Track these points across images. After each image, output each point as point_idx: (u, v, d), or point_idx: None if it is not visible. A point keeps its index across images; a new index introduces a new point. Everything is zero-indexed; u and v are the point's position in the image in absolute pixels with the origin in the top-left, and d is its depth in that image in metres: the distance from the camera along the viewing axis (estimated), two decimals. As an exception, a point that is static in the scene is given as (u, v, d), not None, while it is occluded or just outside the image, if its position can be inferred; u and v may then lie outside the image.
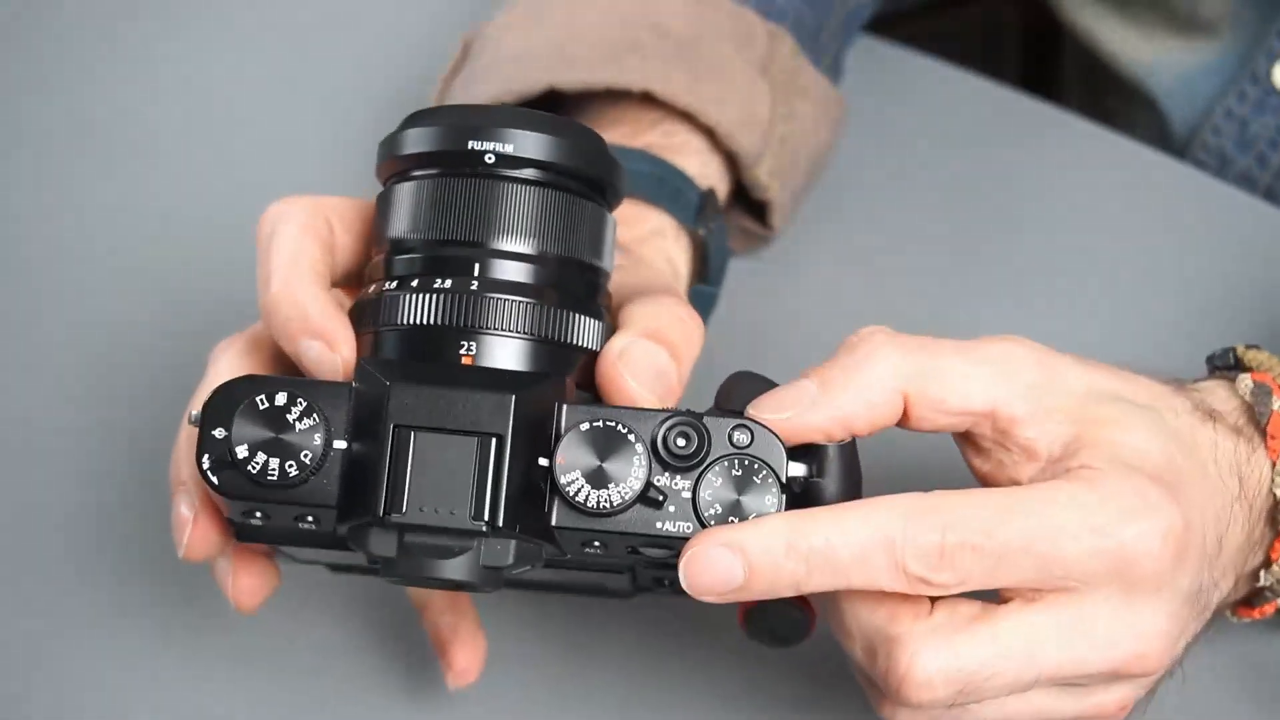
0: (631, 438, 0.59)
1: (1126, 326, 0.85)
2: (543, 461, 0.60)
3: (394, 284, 0.63)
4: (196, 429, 0.60)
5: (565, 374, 0.62)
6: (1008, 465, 0.63)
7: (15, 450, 0.86)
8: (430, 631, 0.75)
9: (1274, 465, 0.65)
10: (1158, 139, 0.98)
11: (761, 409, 0.61)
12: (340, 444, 0.60)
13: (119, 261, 0.92)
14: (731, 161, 0.82)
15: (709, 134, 0.81)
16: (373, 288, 0.63)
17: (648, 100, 0.80)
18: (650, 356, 0.63)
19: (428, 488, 0.59)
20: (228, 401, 0.60)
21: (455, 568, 0.59)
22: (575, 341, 0.63)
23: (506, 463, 0.59)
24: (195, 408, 0.62)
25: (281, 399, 0.60)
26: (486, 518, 0.58)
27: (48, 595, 0.82)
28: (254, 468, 0.59)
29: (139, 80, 0.99)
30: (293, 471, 0.59)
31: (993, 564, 0.59)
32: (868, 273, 0.88)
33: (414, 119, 0.64)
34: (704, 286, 0.79)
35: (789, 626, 0.64)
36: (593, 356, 0.63)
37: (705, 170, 0.81)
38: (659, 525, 0.60)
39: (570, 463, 0.59)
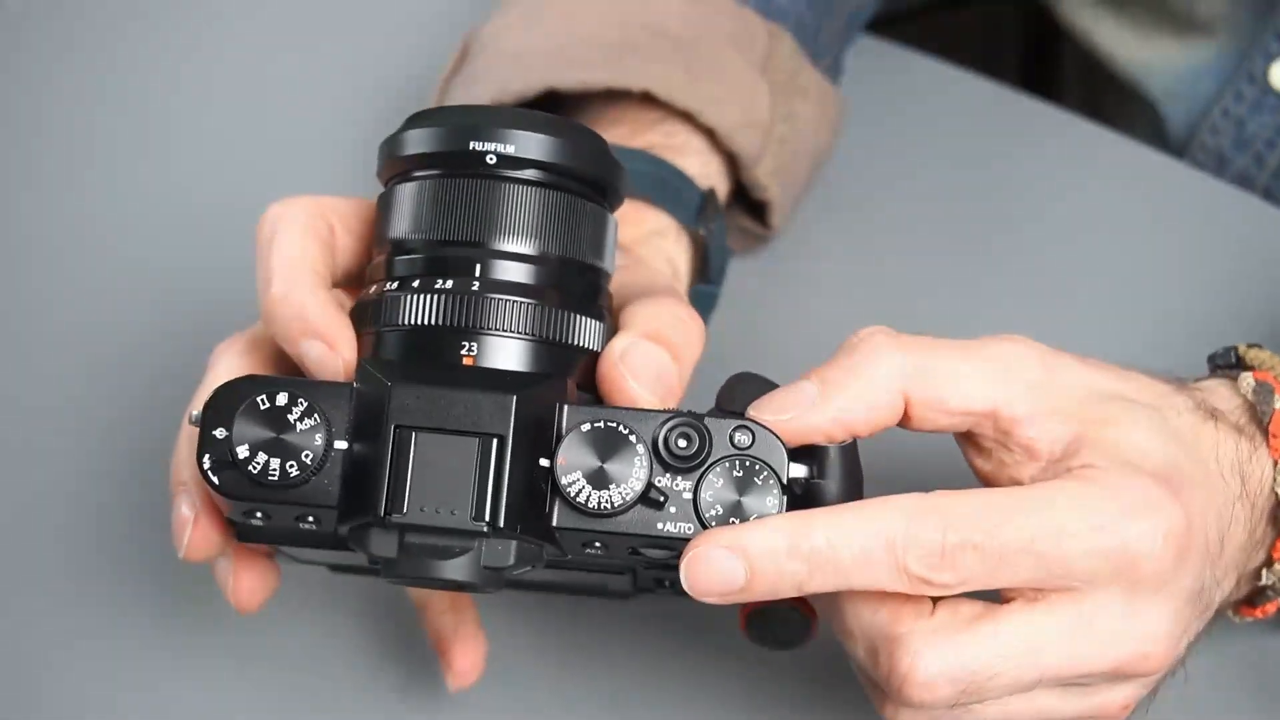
0: (633, 439, 0.59)
1: (1127, 325, 0.85)
2: (544, 462, 0.59)
3: (395, 284, 0.63)
4: (197, 429, 0.60)
5: (566, 375, 0.62)
6: (1009, 465, 0.63)
7: (15, 450, 0.86)
8: (430, 632, 0.75)
9: (1276, 464, 0.65)
10: (1155, 139, 0.98)
11: (762, 410, 0.61)
12: (341, 444, 0.60)
13: (119, 261, 0.92)
14: (731, 161, 0.82)
15: (709, 134, 0.81)
16: (374, 288, 0.63)
17: (647, 100, 0.80)
18: (651, 357, 0.63)
19: (429, 488, 0.59)
20: (228, 402, 0.60)
21: (456, 568, 0.59)
22: (576, 342, 0.63)
23: (507, 463, 0.59)
24: (196, 408, 0.62)
25: (282, 399, 0.60)
26: (487, 518, 0.58)
27: (48, 595, 0.82)
28: (255, 468, 0.59)
29: (139, 81, 0.99)
30: (293, 472, 0.59)
31: (994, 564, 0.59)
32: (868, 273, 0.88)
33: (415, 120, 0.64)
34: (704, 286, 0.79)
35: (790, 630, 0.64)
36: (594, 357, 0.63)
37: (705, 170, 0.81)
38: (660, 526, 0.60)
39: (571, 463, 0.59)
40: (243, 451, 0.59)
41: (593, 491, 0.59)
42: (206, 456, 0.60)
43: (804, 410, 0.61)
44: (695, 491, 0.60)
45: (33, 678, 0.79)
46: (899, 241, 0.90)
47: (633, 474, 0.59)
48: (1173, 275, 0.87)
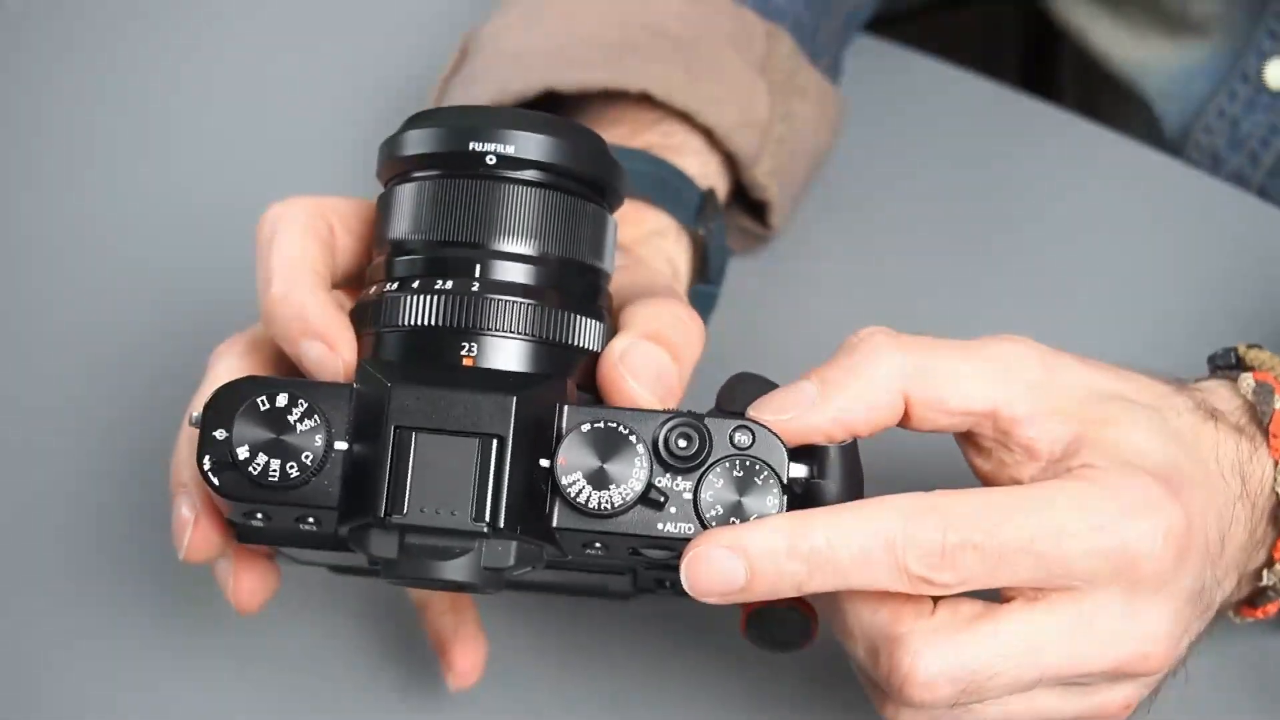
0: (633, 439, 0.59)
1: (1125, 324, 0.85)
2: (544, 463, 0.59)
3: (395, 285, 0.63)
4: (197, 430, 0.60)
5: (566, 375, 0.62)
6: (1009, 465, 0.63)
7: (15, 450, 0.86)
8: (431, 633, 0.75)
9: (1276, 464, 0.65)
10: (1151, 138, 0.98)
11: (762, 410, 0.61)
12: (341, 445, 0.60)
13: (119, 262, 0.92)
14: (730, 161, 0.82)
15: (707, 134, 0.81)
16: (373, 289, 0.63)
17: (646, 100, 0.80)
18: (651, 358, 0.63)
19: (429, 489, 0.59)
20: (229, 403, 0.60)
21: (456, 569, 0.59)
22: (576, 343, 0.63)
23: (508, 464, 0.59)
24: (196, 409, 0.62)
25: (282, 400, 0.59)
26: (487, 519, 0.58)
27: (48, 596, 0.82)
28: (255, 469, 0.59)
29: (139, 81, 0.99)
30: (294, 473, 0.59)
31: (994, 563, 0.59)
32: (868, 272, 0.88)
33: (415, 120, 0.64)
34: (704, 286, 0.79)
35: (791, 632, 0.64)
36: (594, 358, 0.63)
37: (704, 170, 0.81)
38: (660, 526, 0.59)
39: (571, 464, 0.59)
40: (243, 452, 0.59)
41: (593, 492, 0.59)
42: (207, 457, 0.60)
43: (804, 410, 0.61)
44: (695, 492, 0.60)
45: (33, 678, 0.79)
46: (899, 241, 0.90)
47: (633, 474, 0.59)
48: (1170, 274, 0.87)
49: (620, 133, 0.80)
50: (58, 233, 0.93)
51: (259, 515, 0.61)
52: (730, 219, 0.85)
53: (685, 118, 0.80)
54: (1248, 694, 0.74)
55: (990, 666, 0.60)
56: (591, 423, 0.59)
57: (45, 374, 0.88)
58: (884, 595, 0.60)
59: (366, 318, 0.63)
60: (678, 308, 0.66)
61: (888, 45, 0.97)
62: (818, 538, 0.58)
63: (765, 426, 0.60)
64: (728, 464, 0.60)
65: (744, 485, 0.59)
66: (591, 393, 0.63)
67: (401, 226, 0.63)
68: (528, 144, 0.62)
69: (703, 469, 0.60)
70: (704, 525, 0.59)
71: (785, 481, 0.60)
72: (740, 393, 0.62)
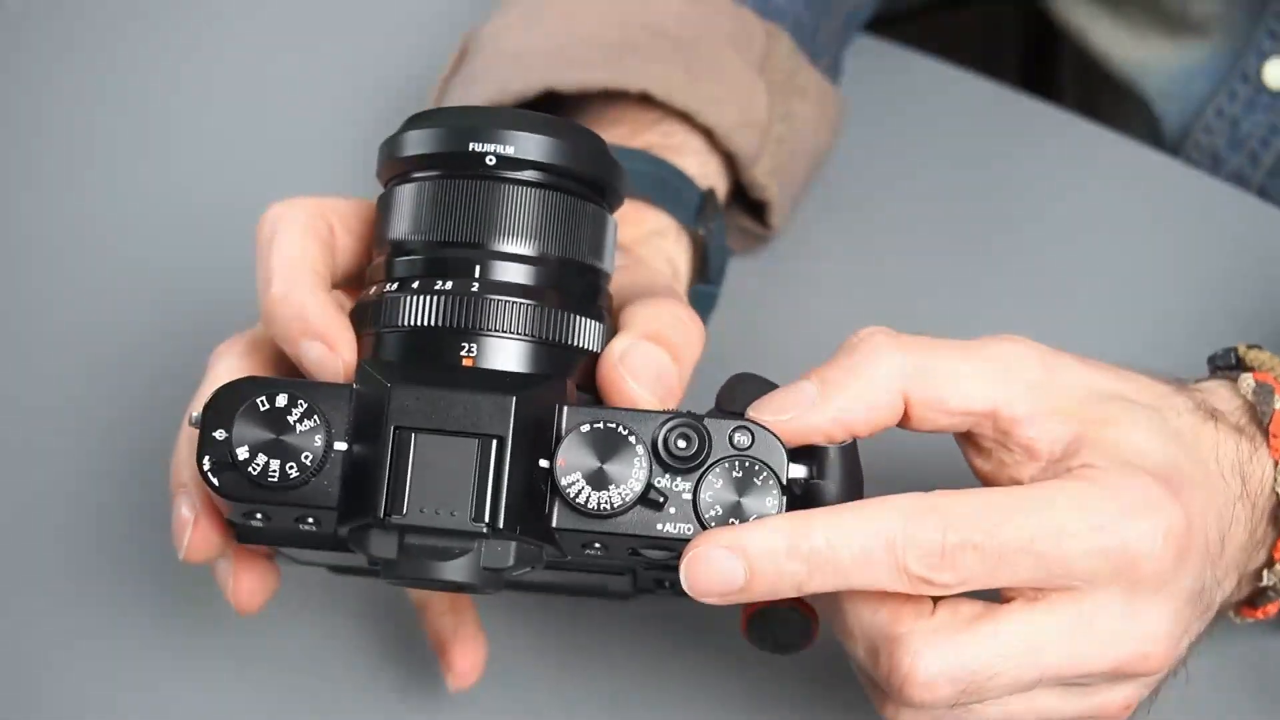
0: (632, 439, 0.59)
1: (1125, 324, 0.85)
2: (543, 463, 0.59)
3: (395, 285, 0.63)
4: (197, 430, 0.60)
5: (566, 376, 0.62)
6: (1009, 465, 0.63)
7: (15, 450, 0.86)
8: (430, 633, 0.75)
9: (1276, 464, 0.65)
10: (1150, 138, 0.98)
11: (762, 410, 0.61)
12: (341, 445, 0.60)
13: (119, 262, 0.92)
14: (730, 161, 0.82)
15: (707, 134, 0.81)
16: (373, 289, 0.63)
17: (646, 100, 0.80)
18: (651, 358, 0.63)
19: (428, 489, 0.59)
20: (228, 403, 0.60)
21: (456, 569, 0.59)
22: (576, 343, 0.63)
23: (507, 464, 0.59)
24: (195, 409, 0.62)
25: (282, 400, 0.59)
26: (487, 519, 0.58)
27: (47, 596, 0.82)
28: (254, 469, 0.59)
29: (139, 81, 0.99)
30: (293, 473, 0.59)
31: (994, 563, 0.59)
32: (868, 273, 0.88)
33: (415, 120, 0.64)
34: (704, 286, 0.79)
35: (791, 633, 0.64)
36: (593, 358, 0.63)
37: (704, 170, 0.81)
38: (660, 527, 0.59)
39: (571, 464, 0.59)
40: (242, 453, 0.59)
41: (592, 492, 0.59)
42: (206, 458, 0.60)
43: (804, 410, 0.61)
44: (695, 492, 0.60)
45: (33, 678, 0.79)
46: (899, 241, 0.90)
47: (632, 475, 0.59)
48: (1170, 274, 0.87)
49: (620, 133, 0.80)
50: (58, 233, 0.93)
51: (259, 515, 0.61)
52: (730, 219, 0.85)
53: (685, 118, 0.80)
54: (1248, 694, 0.74)
55: (990, 667, 0.60)
56: (591, 423, 0.59)
57: (45, 374, 0.88)
58: (884, 595, 0.60)
59: (366, 318, 0.63)
60: (678, 308, 0.66)
61: (888, 45, 0.97)
62: (818, 538, 0.58)
63: (764, 427, 0.60)
64: (727, 464, 0.60)
65: (743, 486, 0.59)
66: (591, 393, 0.63)
67: (401, 227, 0.63)
68: (528, 144, 0.62)
69: (702, 469, 0.60)
70: (703, 526, 0.59)
71: (785, 482, 0.60)
72: (740, 393, 0.62)
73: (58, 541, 0.83)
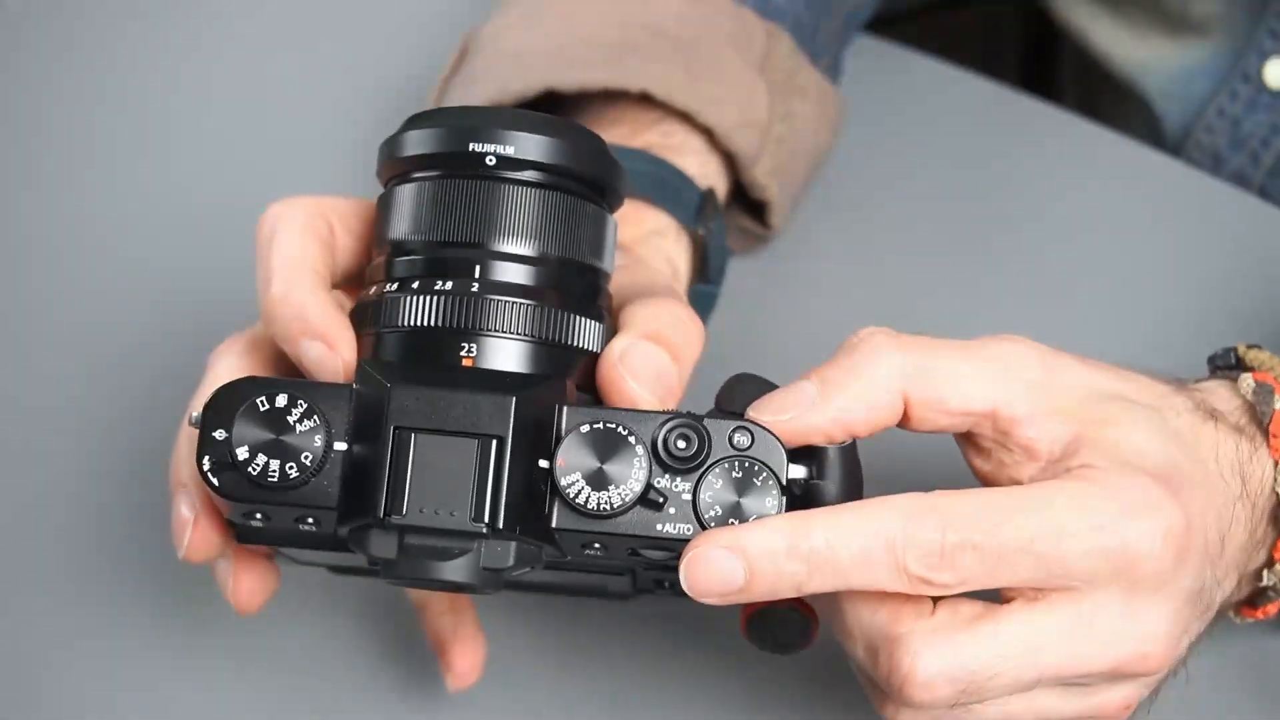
0: (632, 440, 0.59)
1: (1125, 324, 0.85)
2: (543, 463, 0.59)
3: (394, 285, 0.63)
4: (197, 430, 0.60)
5: (566, 376, 0.62)
6: (1008, 465, 0.63)
7: (15, 450, 0.86)
8: (430, 633, 0.75)
9: (1276, 464, 0.65)
10: (1151, 138, 0.98)
11: (762, 411, 0.61)
12: (341, 445, 0.60)
13: (119, 262, 0.92)
14: (730, 161, 0.82)
15: (707, 134, 0.81)
16: (373, 289, 0.63)
17: (646, 100, 0.80)
18: (651, 358, 0.63)
19: (428, 489, 0.59)
20: (228, 403, 0.60)
21: (455, 569, 0.59)
22: (576, 343, 0.63)
23: (507, 464, 0.59)
24: (195, 409, 0.62)
25: (282, 400, 0.59)
26: (487, 519, 0.58)
27: (47, 595, 0.82)
28: (254, 469, 0.59)
29: (139, 81, 0.99)
30: (293, 473, 0.59)
31: (994, 564, 0.59)
32: (868, 273, 0.88)
33: (415, 120, 0.64)
34: (704, 286, 0.79)
35: (791, 633, 0.64)
36: (593, 358, 0.63)
37: (704, 170, 0.81)
38: (659, 527, 0.59)
39: (571, 464, 0.59)
40: (242, 453, 0.59)
41: (592, 493, 0.59)
42: (206, 458, 0.60)
43: (803, 410, 0.61)
44: (694, 492, 0.60)
45: (33, 678, 0.79)
46: (899, 241, 0.90)
47: (632, 475, 0.59)
48: (1170, 274, 0.87)
49: (620, 133, 0.80)
50: (58, 233, 0.93)
51: (258, 515, 0.61)
52: (730, 219, 0.85)
53: (685, 118, 0.80)
54: (1248, 694, 0.74)
55: (990, 667, 0.60)
56: (590, 423, 0.59)
57: (45, 374, 0.88)
58: (884, 595, 0.60)
59: (366, 318, 0.63)
60: (677, 308, 0.66)
61: (888, 45, 0.97)
62: (817, 538, 0.58)
63: (764, 427, 0.60)
64: (727, 465, 0.60)
65: (743, 486, 0.59)
66: (591, 393, 0.63)
67: (401, 227, 0.63)
68: (527, 144, 0.62)
69: (702, 470, 0.60)
70: (703, 526, 0.59)
71: (784, 482, 0.60)
72: (740, 393, 0.62)
73: (58, 541, 0.83)
